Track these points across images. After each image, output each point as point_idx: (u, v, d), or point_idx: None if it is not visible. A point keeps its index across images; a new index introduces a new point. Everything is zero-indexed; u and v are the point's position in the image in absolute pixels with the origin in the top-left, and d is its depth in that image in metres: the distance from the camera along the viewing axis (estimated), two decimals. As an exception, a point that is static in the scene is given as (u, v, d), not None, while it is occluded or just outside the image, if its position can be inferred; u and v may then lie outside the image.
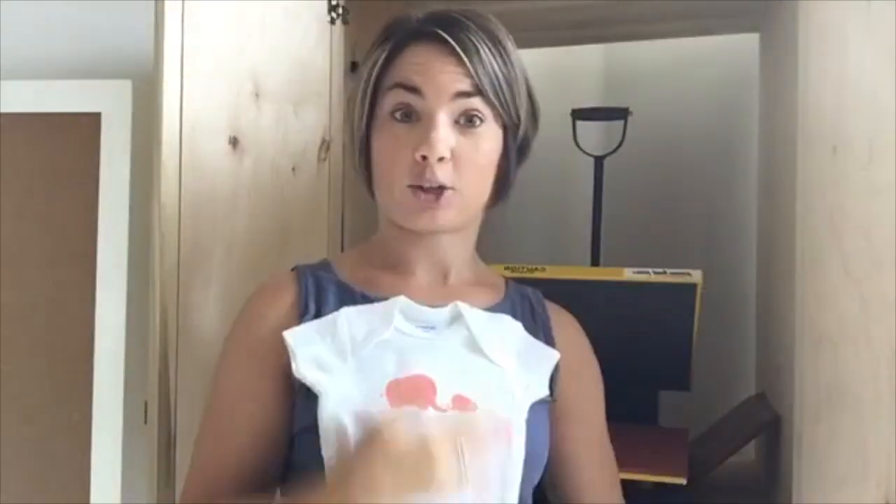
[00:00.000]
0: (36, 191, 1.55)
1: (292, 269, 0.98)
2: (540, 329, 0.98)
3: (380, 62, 0.91)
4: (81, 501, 1.48)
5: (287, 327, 0.90)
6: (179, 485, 1.02)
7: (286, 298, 0.93)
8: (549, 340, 0.98)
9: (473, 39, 0.89)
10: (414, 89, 0.88)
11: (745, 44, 1.62)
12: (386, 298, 0.92)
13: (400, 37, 0.91)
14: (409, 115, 0.89)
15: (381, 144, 0.91)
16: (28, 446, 1.52)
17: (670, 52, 1.69)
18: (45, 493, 1.51)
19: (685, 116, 1.71)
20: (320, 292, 0.93)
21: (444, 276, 0.97)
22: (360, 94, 0.93)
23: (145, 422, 1.02)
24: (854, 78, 0.93)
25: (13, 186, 1.56)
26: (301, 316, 0.91)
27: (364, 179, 0.97)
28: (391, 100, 0.90)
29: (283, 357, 0.88)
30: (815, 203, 1.02)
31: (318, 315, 0.91)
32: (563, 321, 1.02)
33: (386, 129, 0.91)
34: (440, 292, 0.95)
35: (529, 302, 1.01)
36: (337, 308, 0.91)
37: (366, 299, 0.93)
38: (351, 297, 0.93)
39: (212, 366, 1.06)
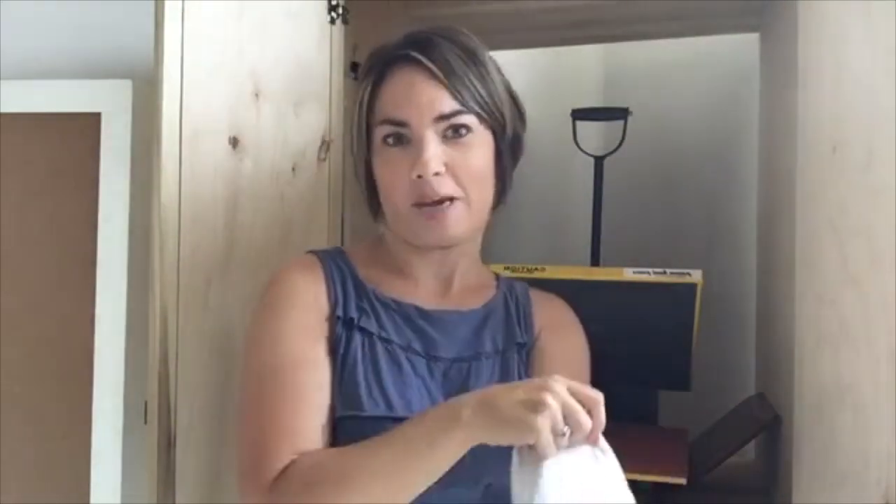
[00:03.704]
0: (36, 191, 1.55)
1: (310, 252, 1.01)
2: (521, 315, 1.04)
3: (366, 97, 0.97)
4: (81, 501, 1.48)
5: (322, 308, 0.95)
6: (179, 485, 1.02)
7: (318, 280, 0.97)
8: (529, 322, 1.04)
9: (448, 56, 0.93)
10: (400, 123, 0.93)
11: (745, 44, 1.63)
12: (393, 299, 0.98)
13: (380, 67, 0.96)
14: (399, 139, 0.94)
15: (381, 170, 0.96)
16: (28, 446, 1.52)
17: (670, 52, 1.70)
18: (45, 493, 1.51)
19: (685, 116, 1.71)
20: (343, 283, 0.98)
21: (449, 283, 1.02)
22: (355, 129, 0.98)
23: (145, 422, 1.02)
24: (854, 78, 0.93)
25: (13, 186, 1.56)
26: (333, 304, 0.95)
27: (370, 205, 1.02)
28: (381, 131, 0.95)
29: (326, 327, 0.94)
30: (815, 203, 1.02)
31: (344, 306, 0.96)
32: (544, 302, 1.07)
33: (382, 157, 0.96)
34: (442, 299, 1.01)
35: (516, 294, 1.06)
36: (356, 302, 0.96)
37: (377, 298, 0.98)
38: (365, 293, 0.98)
39: (212, 366, 1.06)
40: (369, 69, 0.97)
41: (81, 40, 1.67)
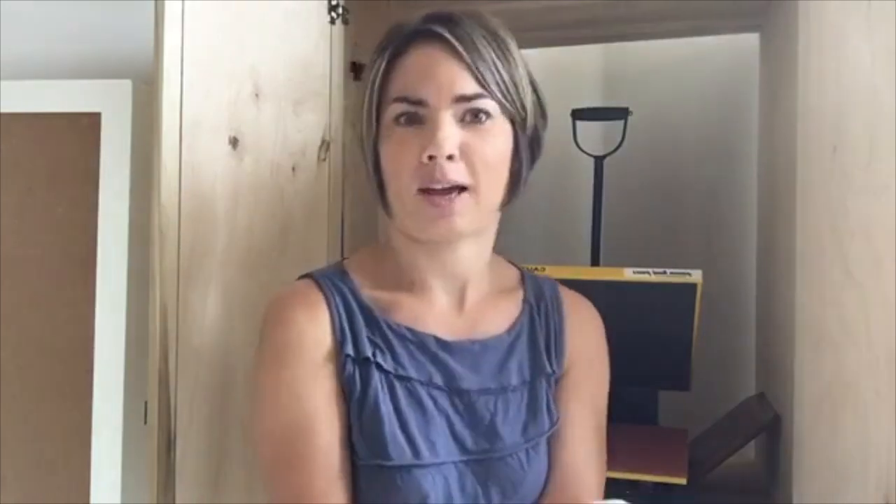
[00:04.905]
0: (36, 191, 1.55)
1: (306, 277, 0.95)
2: (553, 340, 0.99)
3: (381, 71, 0.91)
4: (81, 501, 1.48)
5: (330, 350, 0.90)
6: (179, 485, 1.02)
7: (322, 317, 0.91)
8: (561, 349, 0.99)
9: (473, 36, 0.88)
10: (417, 102, 0.88)
11: (745, 44, 1.62)
12: (408, 328, 0.92)
13: (399, 41, 0.91)
14: (412, 119, 0.89)
15: (388, 151, 0.90)
16: (28, 446, 1.52)
17: (670, 52, 1.69)
18: (45, 493, 1.51)
19: (685, 116, 1.71)
20: (350, 315, 0.92)
21: (462, 293, 0.96)
22: (365, 107, 0.92)
23: (145, 422, 1.02)
24: (854, 78, 0.93)
25: (13, 186, 1.56)
26: (340, 342, 0.90)
27: (377, 193, 0.95)
28: (395, 110, 0.89)
29: (335, 368, 0.89)
30: (815, 203, 1.02)
31: (354, 342, 0.90)
32: (579, 319, 1.02)
33: (392, 136, 0.90)
34: (459, 319, 0.95)
35: (545, 307, 1.00)
36: (368, 335, 0.91)
37: (390, 328, 0.92)
38: (376, 324, 0.92)
39: (212, 365, 1.06)
40: (387, 44, 0.91)
41: (81, 40, 1.67)
